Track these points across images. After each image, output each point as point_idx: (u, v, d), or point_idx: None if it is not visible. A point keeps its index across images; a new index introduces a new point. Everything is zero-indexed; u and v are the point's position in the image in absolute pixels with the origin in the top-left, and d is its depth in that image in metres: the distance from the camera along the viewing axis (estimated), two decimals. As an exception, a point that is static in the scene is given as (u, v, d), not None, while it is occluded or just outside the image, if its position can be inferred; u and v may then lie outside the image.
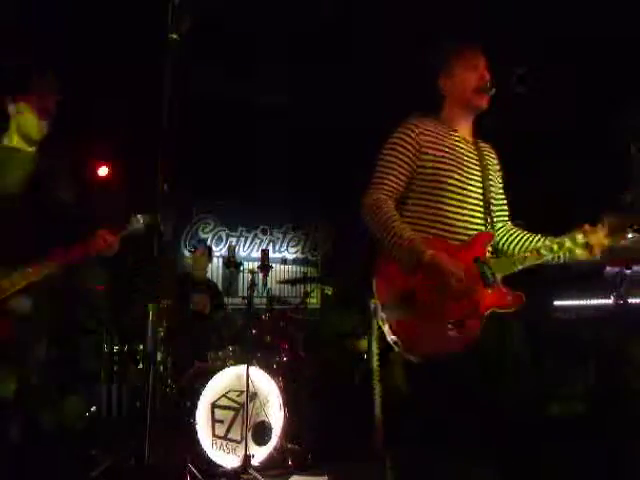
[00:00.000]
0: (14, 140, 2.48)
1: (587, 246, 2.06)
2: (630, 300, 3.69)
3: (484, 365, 1.98)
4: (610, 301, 3.84)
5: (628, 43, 4.08)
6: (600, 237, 2.06)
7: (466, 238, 2.11)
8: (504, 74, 2.14)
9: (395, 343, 1.97)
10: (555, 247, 2.07)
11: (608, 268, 3.84)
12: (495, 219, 2.24)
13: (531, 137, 4.75)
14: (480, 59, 2.21)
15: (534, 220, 2.35)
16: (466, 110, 2.24)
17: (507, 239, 2.27)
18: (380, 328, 1.99)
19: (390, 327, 1.97)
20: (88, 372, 4.12)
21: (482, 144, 2.32)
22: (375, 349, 1.95)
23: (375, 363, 1.92)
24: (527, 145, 4.65)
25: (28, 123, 2.46)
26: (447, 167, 2.13)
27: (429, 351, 1.95)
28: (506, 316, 2.00)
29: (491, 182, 2.23)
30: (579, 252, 2.07)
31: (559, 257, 2.09)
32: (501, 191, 2.33)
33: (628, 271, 3.69)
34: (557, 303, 4.59)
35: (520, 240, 2.23)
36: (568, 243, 2.07)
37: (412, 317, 1.96)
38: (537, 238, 2.19)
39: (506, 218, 2.33)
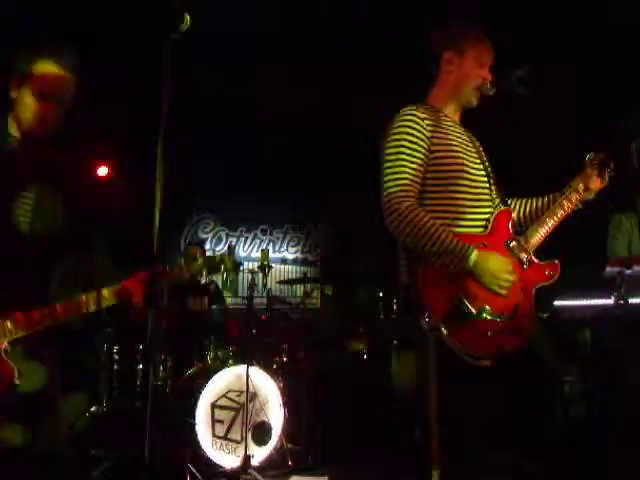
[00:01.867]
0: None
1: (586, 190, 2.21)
2: (630, 300, 3.68)
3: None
4: (610, 301, 3.83)
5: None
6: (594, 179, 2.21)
7: (480, 221, 2.07)
8: (504, 74, 2.14)
9: (466, 353, 1.88)
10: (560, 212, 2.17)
11: (608, 268, 3.84)
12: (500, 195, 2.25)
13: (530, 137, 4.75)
14: (490, 58, 2.19)
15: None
16: (459, 100, 2.21)
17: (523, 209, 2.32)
18: (439, 343, 1.88)
19: (455, 338, 1.87)
20: (88, 371, 4.11)
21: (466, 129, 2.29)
22: (433, 366, 1.87)
23: (433, 383, 1.84)
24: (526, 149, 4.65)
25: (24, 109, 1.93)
26: (455, 150, 2.08)
27: (496, 351, 1.90)
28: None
29: (487, 163, 2.20)
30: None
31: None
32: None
33: (628, 271, 3.68)
34: (557, 303, 4.58)
35: (531, 206, 2.31)
36: (574, 195, 2.20)
37: (472, 321, 1.88)
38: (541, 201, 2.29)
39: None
